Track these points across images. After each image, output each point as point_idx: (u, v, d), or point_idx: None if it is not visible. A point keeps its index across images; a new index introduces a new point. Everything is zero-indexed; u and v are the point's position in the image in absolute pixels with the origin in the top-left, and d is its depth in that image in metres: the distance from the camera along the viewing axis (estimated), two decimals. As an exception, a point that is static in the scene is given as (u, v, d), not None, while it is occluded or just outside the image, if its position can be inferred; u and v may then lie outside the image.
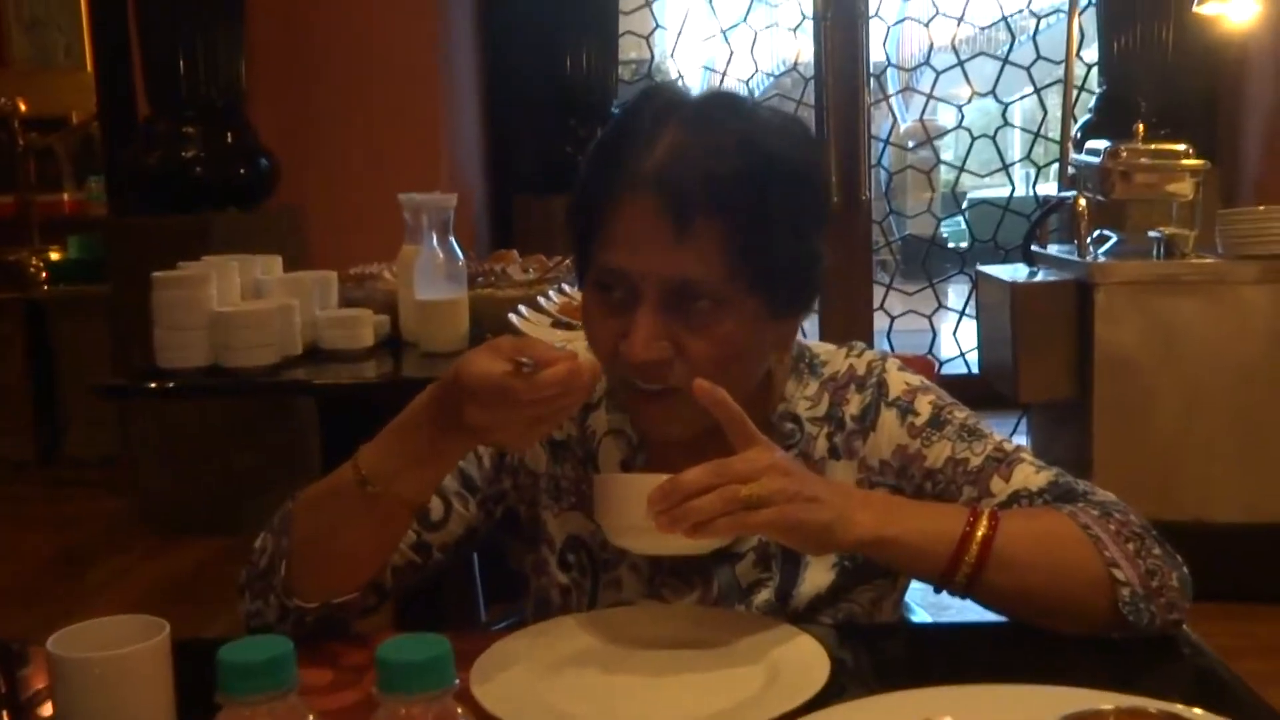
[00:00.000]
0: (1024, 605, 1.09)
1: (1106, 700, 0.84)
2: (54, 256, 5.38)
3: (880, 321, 5.26)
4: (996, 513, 1.09)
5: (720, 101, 1.15)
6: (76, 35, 5.80)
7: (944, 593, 1.10)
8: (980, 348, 4.13)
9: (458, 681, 0.62)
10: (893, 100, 5.67)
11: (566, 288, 2.58)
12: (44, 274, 5.29)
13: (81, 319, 5.05)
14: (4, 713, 1.11)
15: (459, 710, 0.62)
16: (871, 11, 4.91)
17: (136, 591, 3.71)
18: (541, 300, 2.44)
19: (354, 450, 1.13)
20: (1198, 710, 0.85)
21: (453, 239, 2.37)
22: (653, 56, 5.32)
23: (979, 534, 1.06)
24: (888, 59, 5.53)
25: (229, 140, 4.20)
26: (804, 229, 1.14)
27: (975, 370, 4.52)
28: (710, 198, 1.05)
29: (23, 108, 5.47)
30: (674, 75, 5.33)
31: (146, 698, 0.94)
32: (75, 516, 4.57)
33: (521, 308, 2.35)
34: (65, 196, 5.73)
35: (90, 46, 5.60)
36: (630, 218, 1.07)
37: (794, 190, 1.12)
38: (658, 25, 5.25)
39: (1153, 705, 0.84)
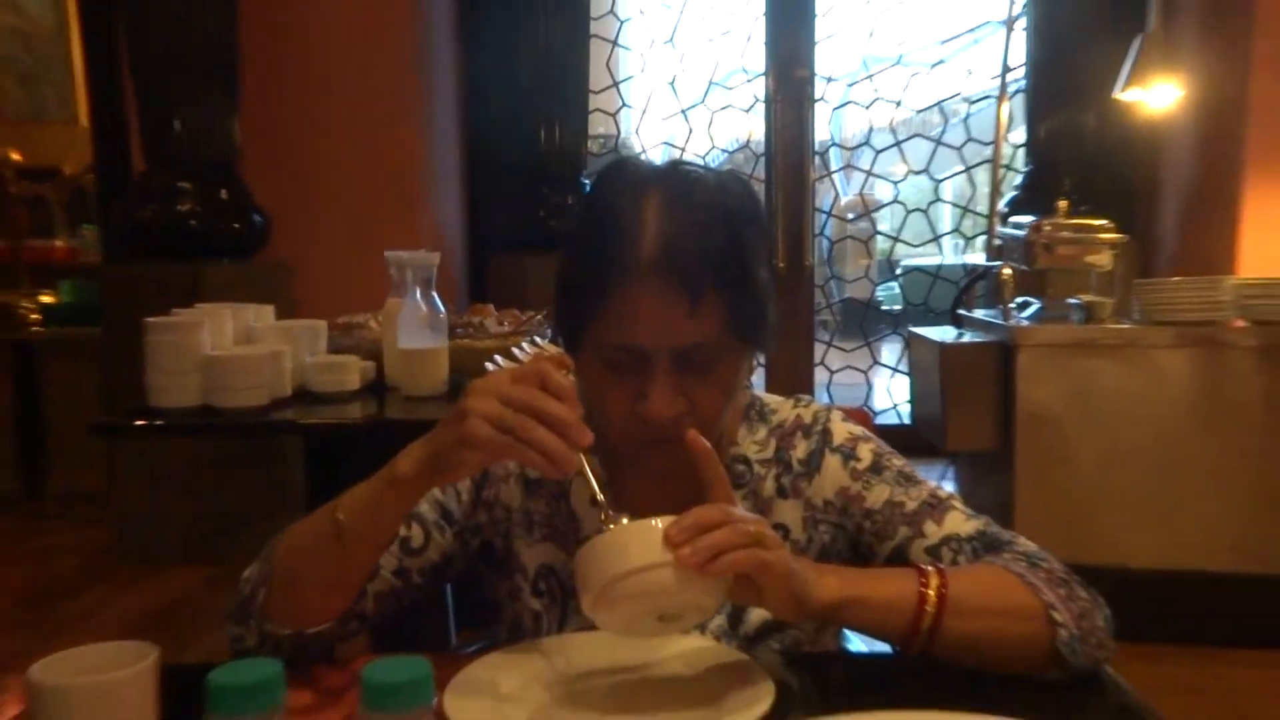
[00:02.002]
0: (979, 651, 1.08)
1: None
2: (46, 300, 5.29)
3: (821, 375, 5.31)
4: (942, 569, 1.09)
5: (679, 175, 1.15)
6: (69, 90, 5.73)
7: (905, 654, 1.08)
8: (912, 401, 4.16)
9: (435, 700, 0.62)
10: (835, 176, 5.75)
11: (539, 340, 2.59)
12: (35, 316, 5.21)
13: (71, 360, 4.97)
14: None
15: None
16: (817, 95, 4.99)
17: (116, 621, 3.62)
18: (515, 351, 2.44)
19: (339, 488, 1.12)
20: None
21: (434, 293, 2.37)
22: (619, 132, 5.37)
23: (934, 584, 1.06)
24: (831, 138, 5.61)
25: (223, 197, 4.15)
26: (764, 266, 1.16)
27: (907, 421, 4.55)
28: (711, 272, 1.08)
29: (16, 157, 5.40)
30: (638, 149, 5.39)
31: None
32: (58, 549, 4.48)
33: (497, 357, 2.34)
34: (58, 243, 5.65)
35: (86, 100, 5.53)
36: (640, 299, 1.08)
37: (755, 237, 1.15)
38: (624, 104, 5.31)
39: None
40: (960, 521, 1.20)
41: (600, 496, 1.04)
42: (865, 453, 1.25)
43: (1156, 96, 3.59)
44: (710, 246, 1.08)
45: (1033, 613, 1.07)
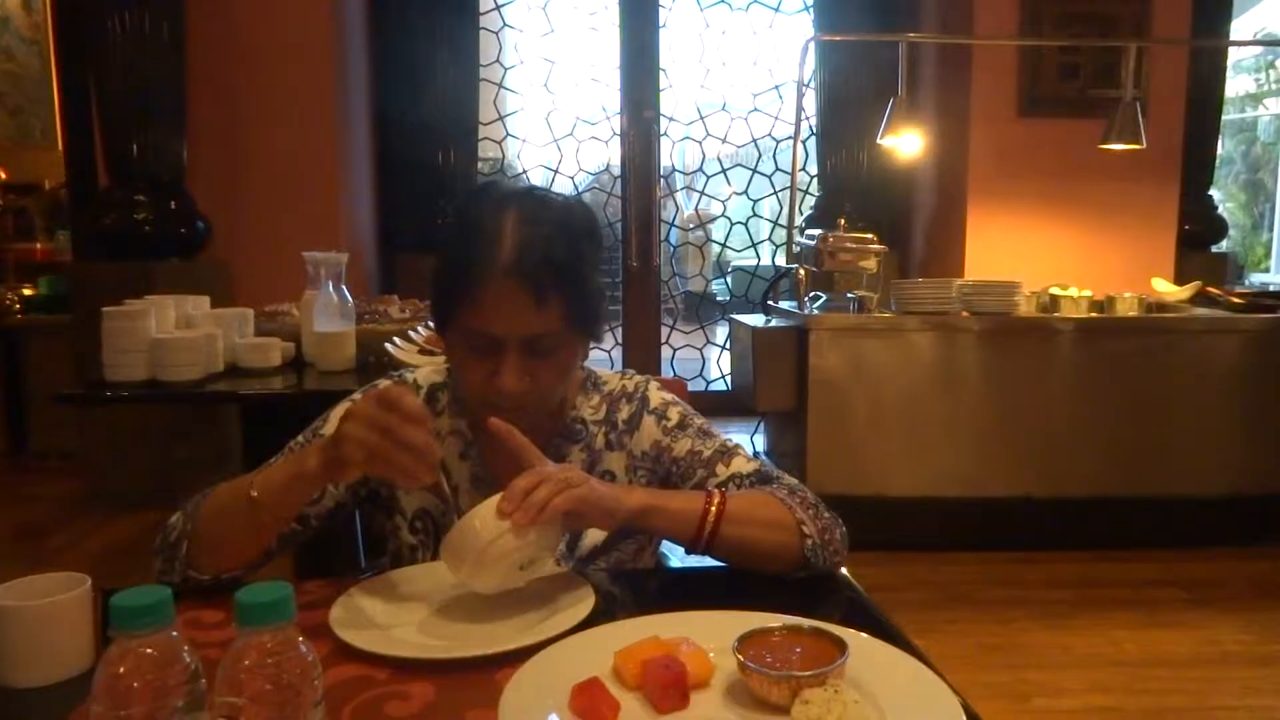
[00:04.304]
0: (746, 553, 1.10)
1: (777, 620, 0.88)
2: (27, 293, 5.00)
3: (666, 352, 5.35)
4: (724, 492, 1.12)
5: (533, 198, 1.14)
6: (50, 119, 5.47)
7: (691, 552, 1.11)
8: (732, 373, 4.23)
9: (296, 616, 0.61)
10: (677, 195, 5.78)
11: (433, 324, 2.54)
12: (18, 306, 4.92)
13: (48, 342, 4.70)
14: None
15: (299, 638, 0.60)
16: (661, 131, 5.02)
17: (89, 554, 3.45)
18: (411, 333, 2.39)
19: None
20: (840, 627, 0.88)
21: (344, 286, 2.31)
22: (504, 156, 5.28)
23: (715, 500, 1.09)
24: (673, 165, 5.63)
25: (172, 207, 3.96)
26: (598, 274, 1.16)
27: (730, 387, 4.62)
28: (554, 276, 1.07)
29: (2, 175, 5.10)
30: (519, 170, 5.33)
31: (69, 637, 0.89)
32: (40, 496, 4.24)
33: (396, 339, 2.30)
34: (38, 246, 5.35)
35: (62, 128, 5.25)
36: (496, 296, 1.06)
37: (593, 249, 1.15)
38: (508, 134, 5.24)
39: (806, 623, 0.86)
40: (743, 463, 1.22)
41: (451, 498, 1.10)
42: (674, 414, 1.26)
43: (905, 143, 3.71)
44: (554, 256, 1.07)
45: (787, 525, 1.11)
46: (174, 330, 2.26)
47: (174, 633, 0.60)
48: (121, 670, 0.57)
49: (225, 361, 2.30)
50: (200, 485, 1.18)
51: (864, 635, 0.89)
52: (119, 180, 3.96)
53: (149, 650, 0.58)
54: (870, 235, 3.67)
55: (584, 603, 0.99)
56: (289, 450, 1.21)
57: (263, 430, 2.46)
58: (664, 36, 5.04)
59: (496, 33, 5.09)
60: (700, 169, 5.59)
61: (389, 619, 0.99)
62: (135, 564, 3.17)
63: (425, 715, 0.80)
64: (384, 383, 1.24)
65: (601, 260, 1.19)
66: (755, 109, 5.35)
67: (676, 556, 1.46)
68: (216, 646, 0.87)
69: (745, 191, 5.53)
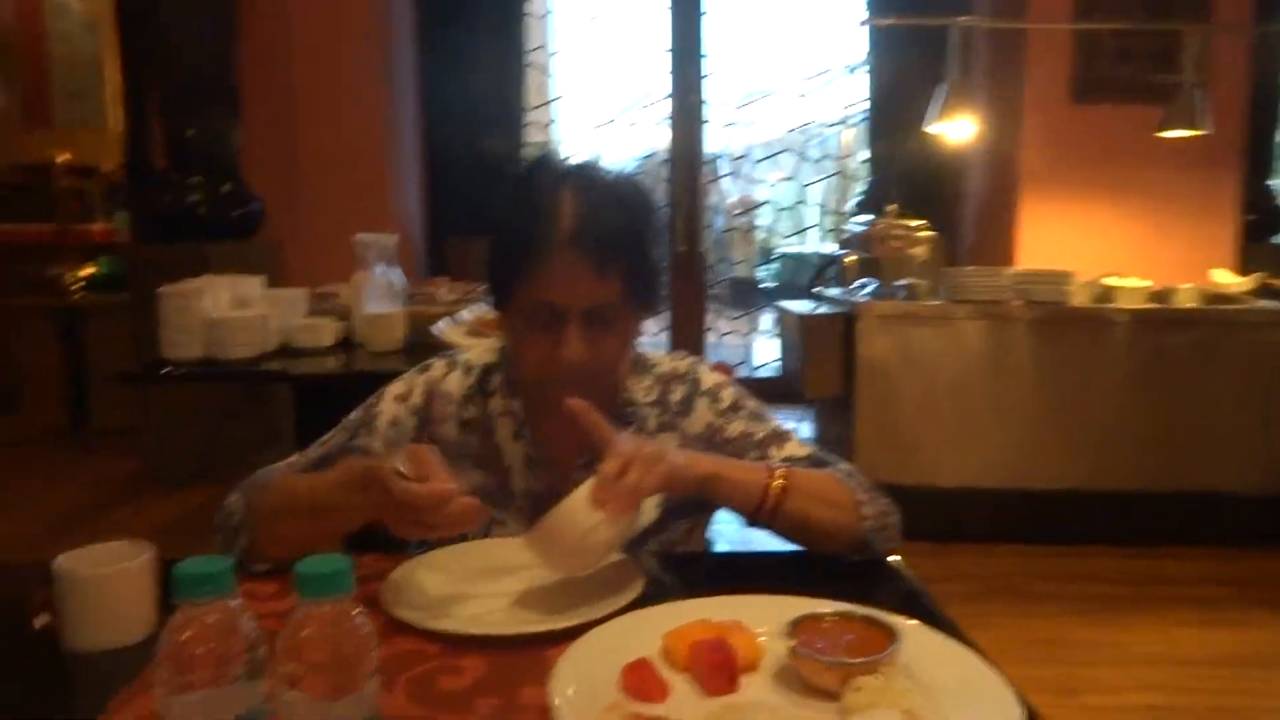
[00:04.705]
0: (807, 529, 1.10)
1: (828, 606, 0.86)
2: (87, 272, 5.14)
3: (712, 338, 5.33)
4: (787, 466, 1.12)
5: (589, 171, 1.14)
6: (107, 103, 5.60)
7: (752, 524, 1.11)
8: (781, 359, 4.21)
9: (354, 588, 0.61)
10: (723, 180, 5.75)
11: (481, 306, 2.56)
12: (77, 285, 5.06)
13: (107, 320, 4.81)
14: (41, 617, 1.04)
15: (355, 610, 0.61)
16: (708, 117, 4.99)
17: (146, 527, 3.54)
18: (460, 315, 2.41)
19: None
20: (892, 615, 0.87)
21: (393, 268, 2.33)
22: (550, 142, 5.29)
23: (779, 473, 1.09)
24: (720, 151, 5.59)
25: (226, 189, 4.04)
26: (656, 247, 1.16)
27: (776, 374, 4.59)
28: (615, 247, 1.08)
29: (66, 157, 5.24)
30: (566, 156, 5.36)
31: (133, 604, 0.91)
32: (99, 471, 4.35)
33: (444, 321, 2.32)
34: (97, 227, 5.47)
35: (120, 112, 5.37)
36: (558, 267, 1.07)
37: (650, 222, 1.15)
38: (552, 120, 5.25)
39: (858, 610, 0.85)
40: (796, 447, 1.22)
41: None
42: (726, 396, 1.26)
43: (957, 129, 3.63)
44: (614, 228, 1.08)
45: (848, 504, 1.11)
46: (229, 310, 2.30)
47: (236, 602, 0.61)
48: (185, 638, 0.58)
49: (278, 341, 2.33)
50: (249, 465, 1.19)
51: (916, 624, 0.87)
52: (174, 162, 4.05)
53: (211, 618, 0.59)
54: (921, 221, 3.62)
55: (634, 583, 0.99)
56: (343, 429, 1.23)
57: (314, 410, 2.50)
58: (712, 20, 4.98)
59: (542, 18, 5.09)
60: (747, 154, 5.54)
61: (441, 595, 1.00)
62: (187, 540, 3.25)
63: (477, 689, 0.80)
64: (401, 451, 1.07)
65: (658, 235, 1.19)
66: (805, 93, 5.29)
67: (726, 540, 1.46)
68: (273, 617, 0.88)
69: (793, 177, 5.48)
